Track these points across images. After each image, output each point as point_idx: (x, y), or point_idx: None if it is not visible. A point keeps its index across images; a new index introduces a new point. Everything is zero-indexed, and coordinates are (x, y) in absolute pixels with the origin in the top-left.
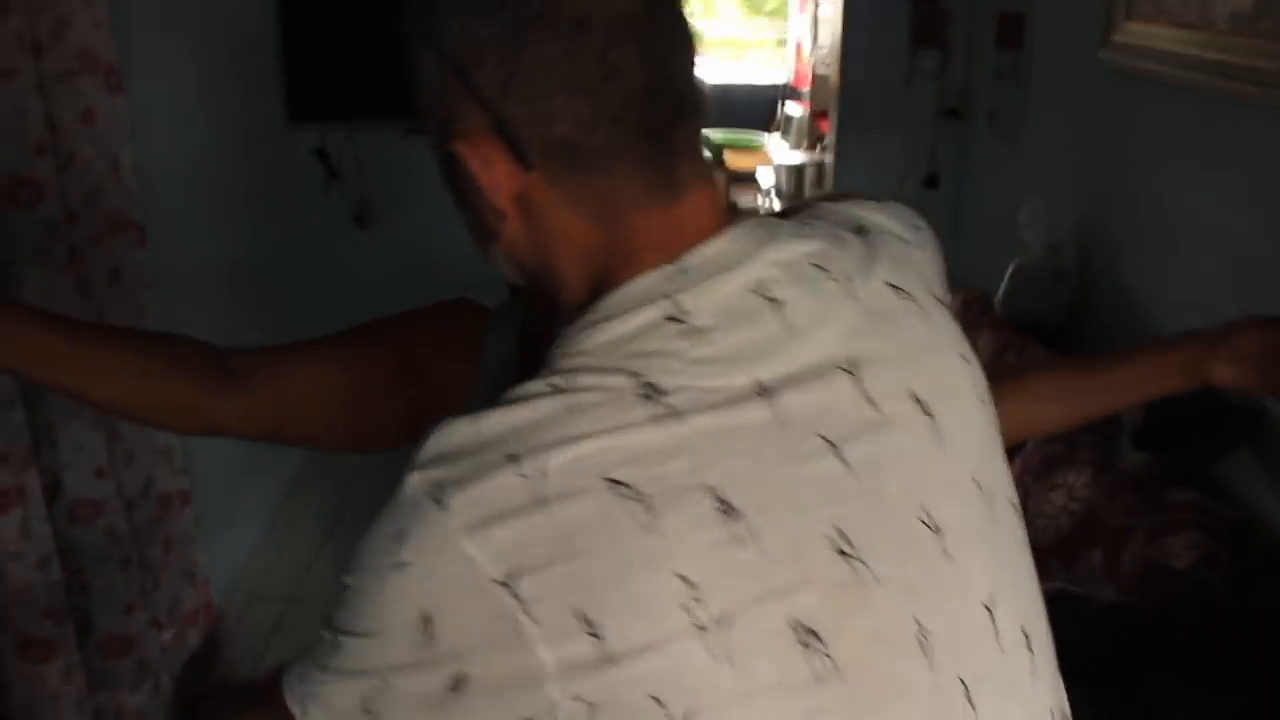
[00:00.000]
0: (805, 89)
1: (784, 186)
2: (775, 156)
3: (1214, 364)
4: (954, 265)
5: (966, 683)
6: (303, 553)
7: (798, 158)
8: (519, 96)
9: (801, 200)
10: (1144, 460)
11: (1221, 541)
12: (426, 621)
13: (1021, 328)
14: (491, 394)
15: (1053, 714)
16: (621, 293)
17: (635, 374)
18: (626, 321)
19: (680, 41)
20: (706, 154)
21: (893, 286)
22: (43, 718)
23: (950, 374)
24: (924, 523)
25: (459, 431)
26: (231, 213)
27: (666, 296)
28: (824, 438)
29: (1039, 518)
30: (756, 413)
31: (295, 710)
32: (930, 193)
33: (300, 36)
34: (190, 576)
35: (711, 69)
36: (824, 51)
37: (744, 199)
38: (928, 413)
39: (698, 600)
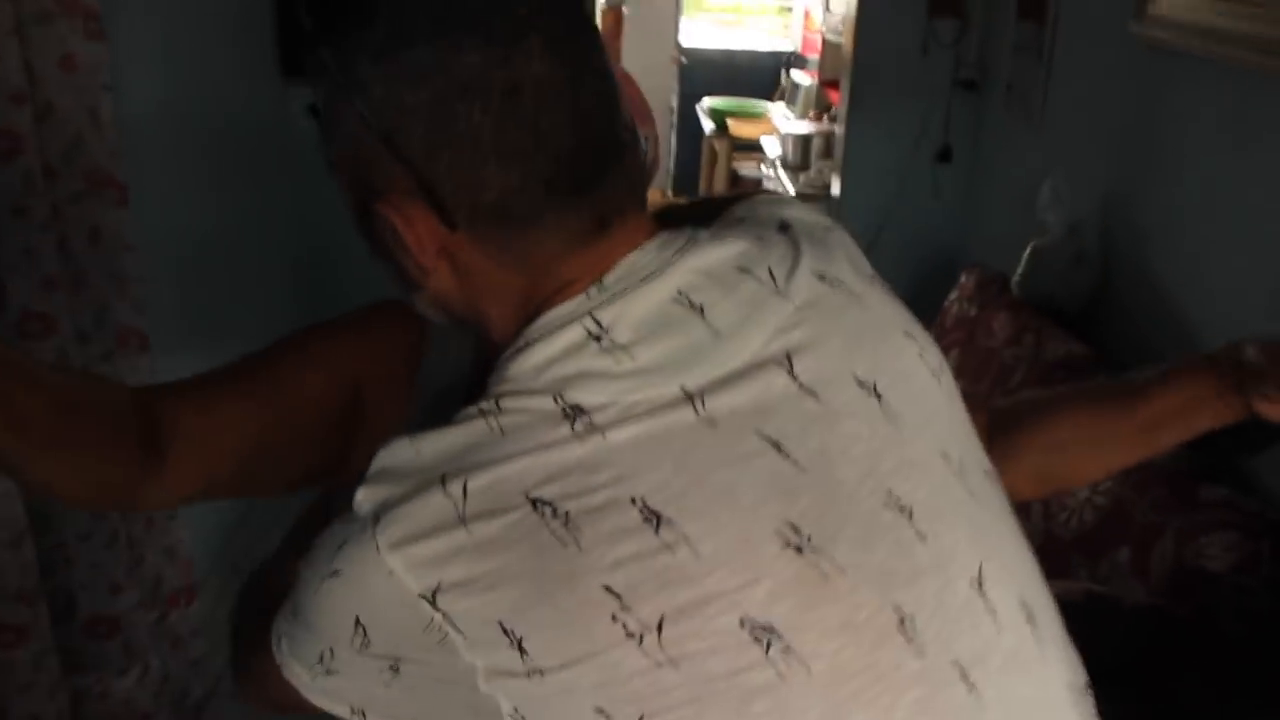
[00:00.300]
0: (813, 57)
1: (790, 157)
2: (781, 125)
3: (1253, 399)
4: (966, 242)
5: (963, 665)
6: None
7: (804, 127)
8: (447, 165)
9: (707, 199)
10: (1172, 454)
11: (1261, 543)
12: (359, 625)
13: (1040, 310)
14: (435, 411)
15: (1070, 688)
16: (545, 318)
17: (559, 395)
18: (549, 345)
19: (606, 93)
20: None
21: (821, 277)
22: (11, 709)
23: (895, 354)
24: (890, 506)
25: (400, 452)
26: (219, 171)
27: (586, 314)
28: (763, 436)
29: (1060, 510)
30: (682, 418)
31: (273, 643)
32: (943, 167)
33: None
34: (172, 554)
35: (712, 34)
36: (836, 18)
37: (747, 168)
38: (875, 395)
39: (626, 609)
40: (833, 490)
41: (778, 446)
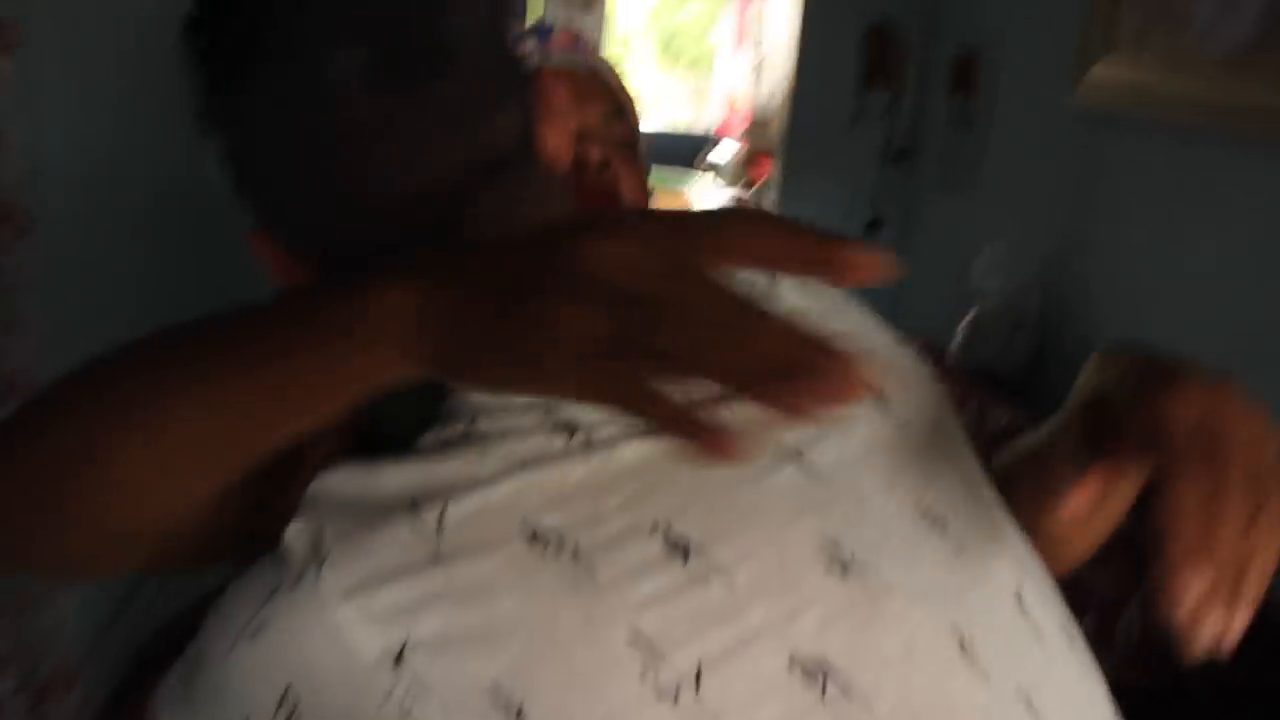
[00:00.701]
0: (737, 132)
1: None
2: (703, 198)
3: None
4: (896, 313)
5: (1026, 694)
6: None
7: (729, 196)
8: (288, 207)
9: None
10: (1133, 519)
11: None
12: (286, 698)
13: (979, 379)
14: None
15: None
16: None
17: (547, 411)
18: None
19: (469, 105)
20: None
21: (800, 284)
22: None
23: (889, 357)
24: (924, 516)
25: (350, 477)
26: (134, 212)
27: None
28: (780, 447)
29: None
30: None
31: (153, 714)
32: (873, 237)
33: None
34: (51, 636)
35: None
36: (765, 91)
37: None
38: (883, 402)
39: (658, 658)
40: (863, 502)
41: (797, 458)
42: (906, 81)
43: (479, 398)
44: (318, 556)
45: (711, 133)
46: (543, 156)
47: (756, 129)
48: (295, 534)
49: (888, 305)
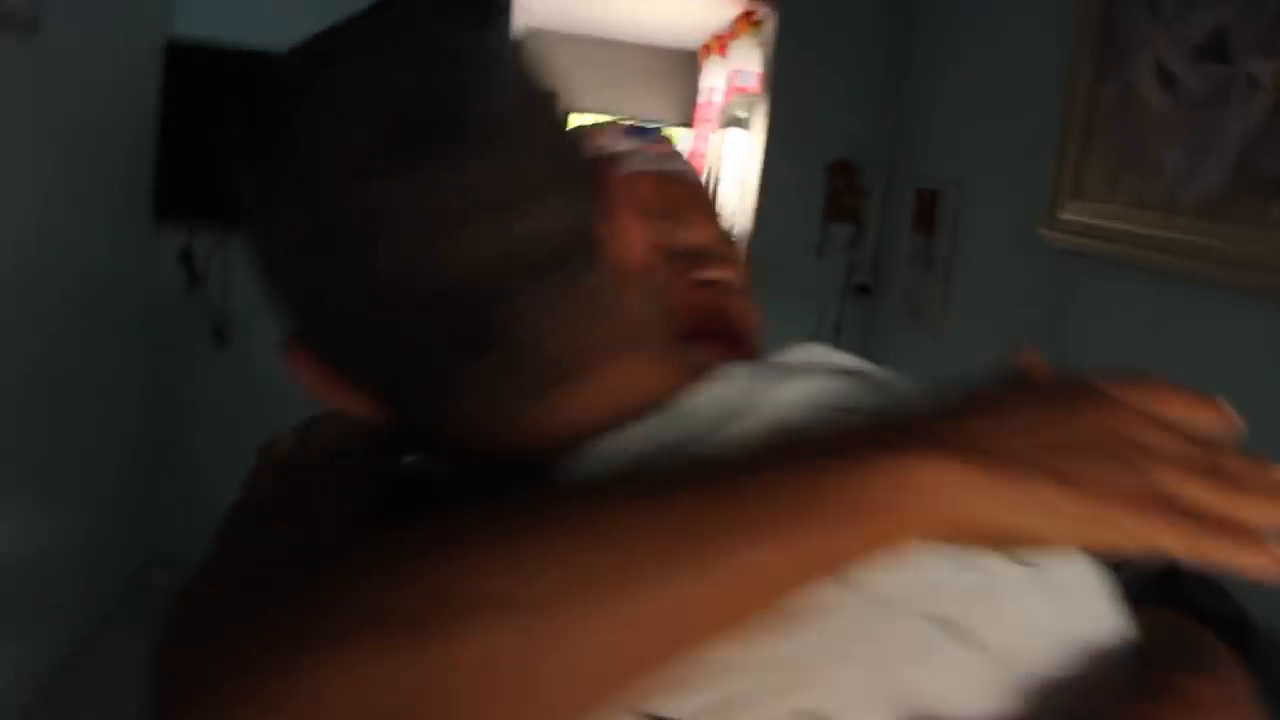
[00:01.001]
0: None
1: None
2: None
3: None
4: None
5: None
6: None
7: None
8: (305, 312)
9: None
10: None
11: None
12: None
13: None
14: None
15: None
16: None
17: None
18: None
19: (512, 192)
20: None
21: None
22: None
23: None
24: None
25: None
26: (74, 311)
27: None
28: (935, 617)
29: None
30: (836, 599)
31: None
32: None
33: (182, 125)
34: None
35: None
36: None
37: None
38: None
39: None
40: (1029, 685)
41: (958, 630)
42: (868, 216)
43: None
44: None
45: None
46: (610, 262)
47: None
48: None
49: None
